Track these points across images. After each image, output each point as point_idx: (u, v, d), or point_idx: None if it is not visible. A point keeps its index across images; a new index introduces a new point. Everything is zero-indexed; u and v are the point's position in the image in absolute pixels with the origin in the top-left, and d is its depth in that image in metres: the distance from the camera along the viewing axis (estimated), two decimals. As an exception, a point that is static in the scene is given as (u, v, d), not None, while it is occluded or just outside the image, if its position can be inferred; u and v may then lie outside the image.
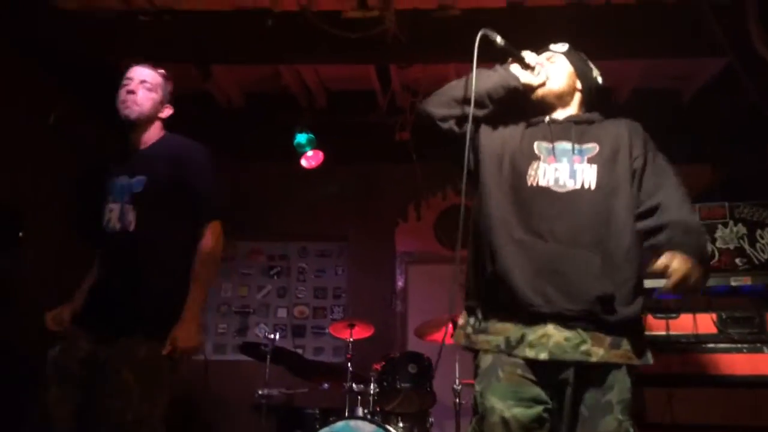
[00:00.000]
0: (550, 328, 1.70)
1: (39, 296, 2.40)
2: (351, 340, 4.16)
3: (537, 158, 1.87)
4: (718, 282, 3.02)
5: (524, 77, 1.98)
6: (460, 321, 1.92)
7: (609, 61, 4.67)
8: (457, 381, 3.92)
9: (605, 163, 1.85)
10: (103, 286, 2.26)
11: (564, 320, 1.70)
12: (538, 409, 1.68)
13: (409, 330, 5.46)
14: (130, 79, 2.39)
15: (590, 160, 1.85)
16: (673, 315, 2.98)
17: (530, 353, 1.69)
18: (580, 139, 1.89)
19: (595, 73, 2.12)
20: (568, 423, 1.71)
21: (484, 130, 1.97)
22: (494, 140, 1.96)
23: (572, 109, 2.03)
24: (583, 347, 1.68)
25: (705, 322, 3.05)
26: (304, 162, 5.29)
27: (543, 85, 1.98)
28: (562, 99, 2.02)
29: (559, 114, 2.01)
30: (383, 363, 4.02)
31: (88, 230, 2.37)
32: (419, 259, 5.74)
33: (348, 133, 5.51)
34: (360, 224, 5.80)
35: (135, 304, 2.21)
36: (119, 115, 2.36)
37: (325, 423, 3.63)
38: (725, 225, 4.29)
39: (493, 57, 2.03)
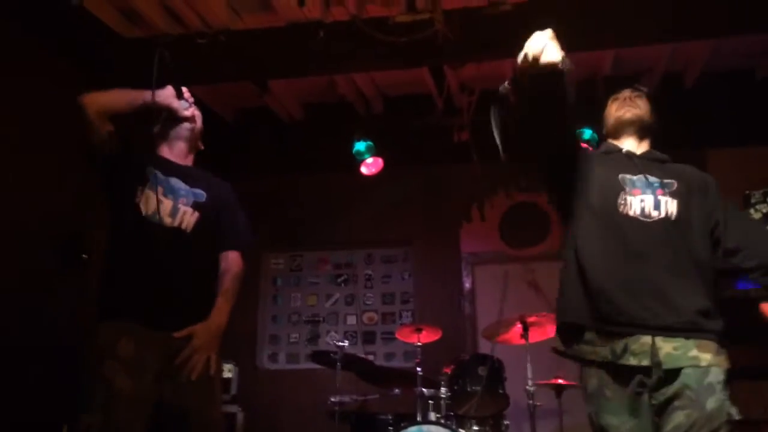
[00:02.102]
0: (659, 340, 1.86)
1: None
2: (419, 344, 4.14)
3: (623, 189, 2.03)
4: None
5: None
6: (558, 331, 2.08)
7: (674, 44, 4.54)
8: (530, 382, 3.83)
9: (683, 198, 2.03)
10: (158, 280, 2.21)
11: (669, 331, 1.86)
12: (647, 415, 1.86)
13: (479, 331, 5.40)
14: (185, 96, 2.44)
15: (672, 194, 2.03)
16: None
17: (634, 361, 1.86)
18: (662, 176, 2.07)
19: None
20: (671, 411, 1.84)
21: (586, 158, 2.16)
22: (581, 164, 2.12)
23: (638, 142, 2.18)
24: (691, 353, 1.85)
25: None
26: (364, 169, 5.32)
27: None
28: (644, 128, 2.17)
29: (633, 147, 2.16)
30: (453, 366, 3.98)
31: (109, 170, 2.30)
32: (485, 260, 5.67)
33: (407, 137, 5.53)
34: (424, 228, 5.77)
35: (189, 308, 2.26)
36: (173, 123, 2.41)
37: (398, 428, 3.63)
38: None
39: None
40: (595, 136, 4.61)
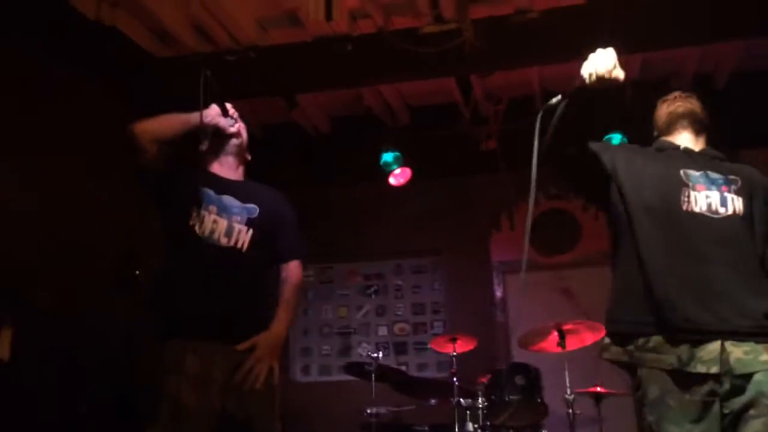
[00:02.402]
0: (728, 345, 1.79)
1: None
2: (454, 354, 4.13)
3: (686, 185, 1.95)
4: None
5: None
6: (610, 339, 1.99)
7: (702, 47, 4.49)
8: (568, 390, 3.79)
9: (750, 198, 1.97)
10: (218, 300, 2.24)
11: (739, 336, 1.80)
12: (715, 424, 1.79)
13: (512, 340, 5.36)
14: (230, 113, 2.48)
15: (737, 192, 1.97)
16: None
17: (702, 368, 1.78)
18: (724, 172, 2.01)
19: None
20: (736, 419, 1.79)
21: (617, 153, 2.06)
22: (629, 163, 2.03)
23: (702, 142, 2.11)
24: (763, 357, 1.78)
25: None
26: (392, 180, 5.34)
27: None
28: (698, 122, 2.10)
29: (691, 143, 2.09)
30: (489, 376, 3.96)
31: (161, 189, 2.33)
32: (516, 268, 5.63)
33: (434, 147, 5.54)
34: (453, 237, 5.77)
35: (249, 324, 2.29)
36: (221, 140, 2.45)
37: (436, 439, 3.61)
38: None
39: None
40: (625, 140, 4.58)
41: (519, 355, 4.73)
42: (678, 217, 1.91)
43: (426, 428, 4.01)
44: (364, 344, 5.96)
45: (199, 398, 2.12)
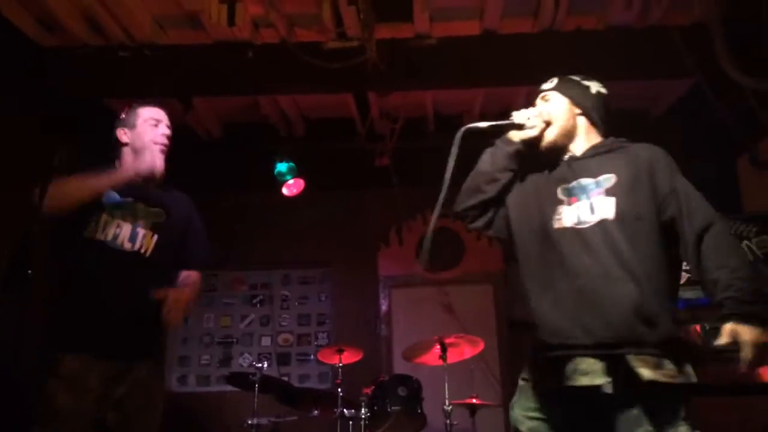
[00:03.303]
0: (595, 360, 1.77)
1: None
2: (340, 365, 4.17)
3: (561, 202, 1.96)
4: (698, 295, 3.10)
5: (518, 136, 2.05)
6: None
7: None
8: (447, 402, 3.94)
9: (625, 193, 1.88)
10: (114, 307, 2.22)
11: (605, 348, 1.76)
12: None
13: (395, 353, 5.49)
14: (160, 120, 2.47)
15: (608, 192, 1.89)
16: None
17: (572, 382, 1.79)
18: (599, 172, 1.94)
19: (595, 87, 2.11)
20: None
21: (513, 190, 2.10)
22: (520, 195, 2.07)
23: (584, 138, 2.04)
24: (627, 370, 1.74)
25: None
26: (285, 190, 5.33)
27: (544, 130, 2.03)
28: (570, 134, 2.04)
29: (577, 148, 2.04)
30: (373, 387, 4.04)
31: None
32: (402, 283, 5.79)
33: (328, 160, 5.58)
34: (342, 250, 5.83)
35: (147, 329, 2.28)
36: (144, 152, 2.40)
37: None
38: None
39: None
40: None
41: (401, 367, 4.86)
42: (553, 237, 1.91)
43: (308, 439, 4.02)
44: (246, 354, 5.87)
45: (75, 401, 2.10)
